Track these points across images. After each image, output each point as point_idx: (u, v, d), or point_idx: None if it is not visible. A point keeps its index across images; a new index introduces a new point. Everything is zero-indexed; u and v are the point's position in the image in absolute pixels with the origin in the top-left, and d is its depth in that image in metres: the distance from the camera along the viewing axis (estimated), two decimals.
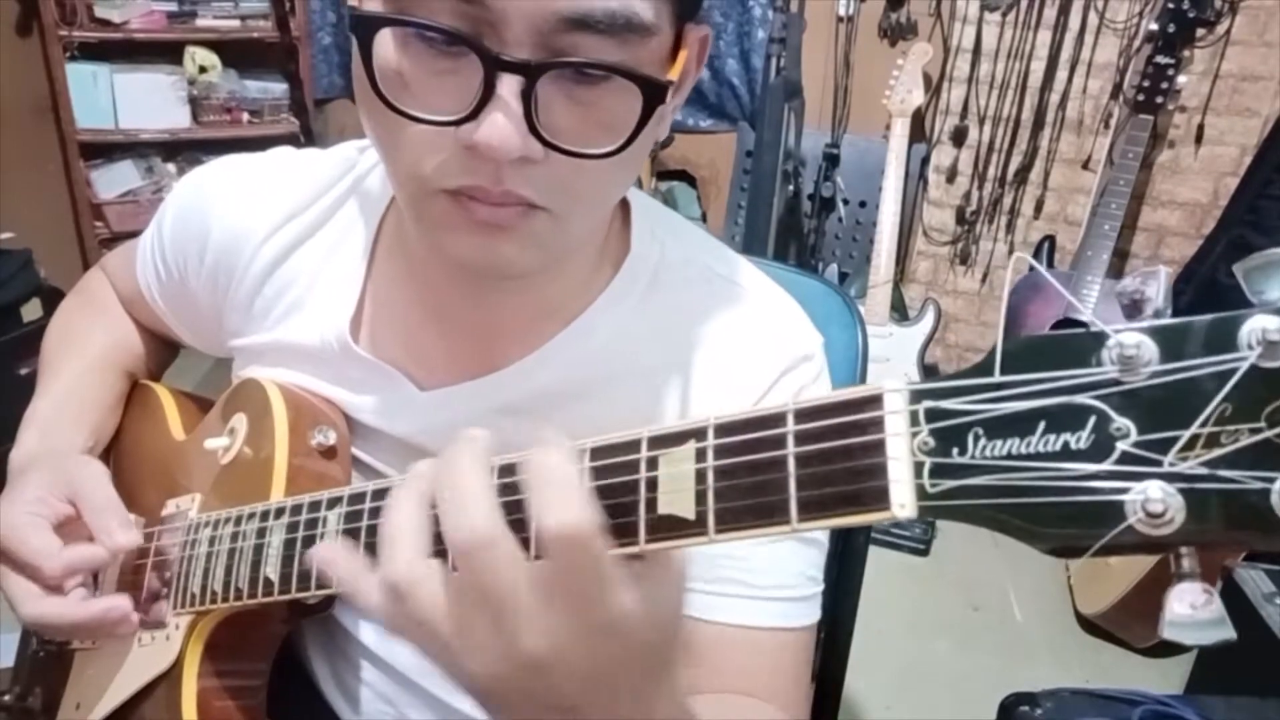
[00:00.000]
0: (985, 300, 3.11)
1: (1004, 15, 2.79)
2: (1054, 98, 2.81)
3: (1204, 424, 0.31)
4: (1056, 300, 2.52)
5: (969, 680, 2.08)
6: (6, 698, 0.86)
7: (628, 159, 0.56)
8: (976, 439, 0.35)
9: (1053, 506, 0.33)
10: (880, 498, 0.37)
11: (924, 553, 2.50)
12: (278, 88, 3.19)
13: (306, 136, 2.75)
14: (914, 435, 0.36)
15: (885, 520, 0.37)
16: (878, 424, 0.38)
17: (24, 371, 2.25)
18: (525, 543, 0.44)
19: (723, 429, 0.42)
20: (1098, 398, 0.33)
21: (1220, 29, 2.56)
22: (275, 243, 0.76)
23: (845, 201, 2.91)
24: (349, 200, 0.77)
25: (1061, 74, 2.79)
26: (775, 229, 2.56)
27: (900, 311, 2.80)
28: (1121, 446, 0.32)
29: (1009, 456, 0.34)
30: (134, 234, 0.87)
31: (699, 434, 0.43)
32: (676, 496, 0.43)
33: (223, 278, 0.79)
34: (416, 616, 0.45)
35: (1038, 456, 0.33)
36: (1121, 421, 0.32)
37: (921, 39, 2.90)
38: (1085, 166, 2.85)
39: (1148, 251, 2.86)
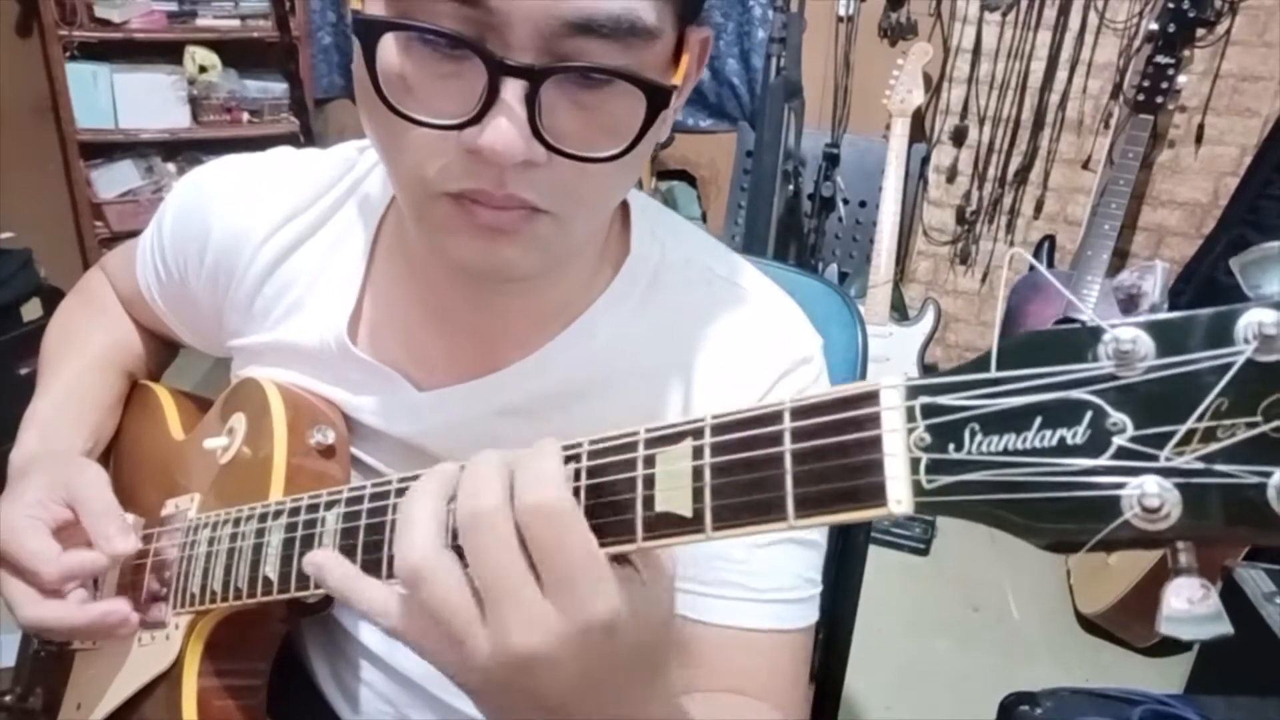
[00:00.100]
0: (985, 300, 3.11)
1: (1004, 15, 2.79)
2: (1054, 98, 2.81)
3: (1200, 418, 0.31)
4: (1056, 300, 2.52)
5: (969, 680, 2.08)
6: (7, 698, 0.86)
7: (630, 162, 0.56)
8: (973, 435, 0.35)
9: (1049, 502, 0.33)
10: (877, 494, 0.37)
11: (924, 552, 2.50)
12: (278, 87, 3.18)
13: (306, 136, 2.75)
14: (910, 431, 0.36)
15: (882, 517, 0.37)
16: (874, 420, 0.38)
17: (24, 371, 2.25)
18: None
19: (719, 427, 0.42)
20: (1094, 393, 0.33)
21: (1220, 29, 2.56)
22: (275, 243, 0.76)
23: (845, 201, 2.91)
24: (349, 200, 0.77)
25: (1061, 74, 2.79)
26: (775, 229, 2.56)
27: (900, 311, 2.80)
28: (1118, 441, 0.32)
29: (1005, 452, 0.34)
30: (134, 234, 0.88)
31: (696, 432, 0.43)
32: (674, 494, 0.43)
33: (223, 278, 0.79)
34: (427, 605, 0.45)
35: (1034, 452, 0.33)
36: (1118, 416, 0.32)
37: (921, 39, 2.90)
38: (1085, 166, 2.85)
39: (1148, 251, 2.86)
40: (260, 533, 0.65)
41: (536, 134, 0.52)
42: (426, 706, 0.78)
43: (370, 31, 0.52)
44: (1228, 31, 2.57)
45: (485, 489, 0.44)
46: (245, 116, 3.20)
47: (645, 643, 0.46)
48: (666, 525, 0.43)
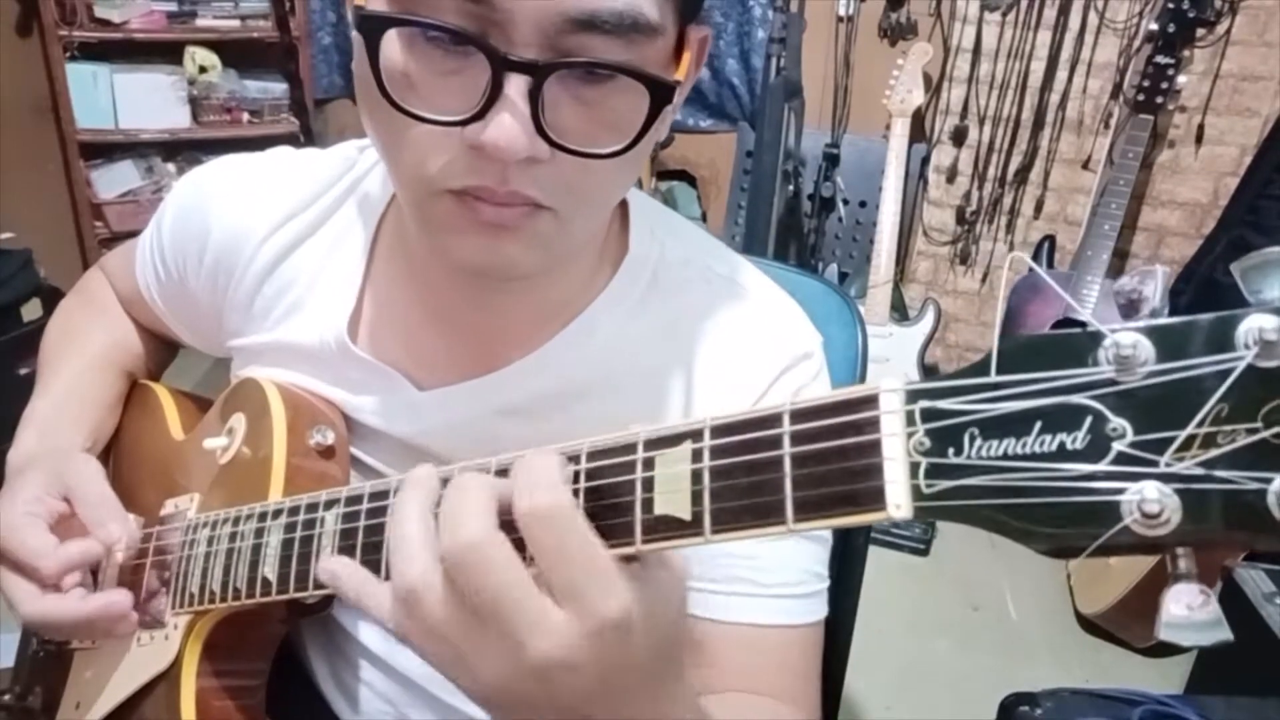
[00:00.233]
0: (985, 300, 3.11)
1: (1004, 15, 2.79)
2: (1054, 98, 2.81)
3: (1200, 424, 0.31)
4: (1056, 300, 2.52)
5: (969, 680, 2.08)
6: (6, 698, 0.86)
7: (631, 159, 0.56)
8: (973, 439, 0.35)
9: (1049, 507, 0.33)
10: (876, 498, 0.37)
11: (924, 553, 2.50)
12: (278, 88, 3.18)
13: (306, 136, 2.75)
14: (910, 436, 0.36)
15: (881, 521, 0.37)
16: (874, 424, 0.37)
17: (24, 371, 2.25)
18: (520, 546, 0.44)
19: (719, 429, 0.42)
20: (1094, 398, 0.33)
21: (1220, 29, 2.56)
22: (275, 242, 0.76)
23: (845, 201, 2.91)
24: (348, 200, 0.77)
25: (1061, 74, 2.79)
26: (775, 229, 2.56)
27: (900, 311, 2.80)
28: (1118, 447, 0.32)
29: (1005, 457, 0.34)
30: (134, 234, 0.88)
31: (695, 435, 0.43)
32: (673, 497, 0.43)
33: (222, 277, 0.79)
34: (428, 622, 0.45)
35: (1034, 457, 0.33)
36: (1118, 421, 0.32)
37: (921, 39, 2.90)
38: (1085, 166, 2.85)
39: (1148, 251, 2.86)
40: (259, 533, 0.65)
41: (540, 130, 0.52)
42: (426, 706, 0.78)
43: (373, 27, 0.52)
44: (1228, 31, 2.57)
45: (466, 520, 0.44)
46: (245, 117, 3.20)
47: (660, 641, 0.45)
48: (665, 528, 0.43)
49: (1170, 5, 2.37)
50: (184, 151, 3.18)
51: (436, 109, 0.53)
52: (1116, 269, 2.69)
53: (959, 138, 2.94)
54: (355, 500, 0.59)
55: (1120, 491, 0.32)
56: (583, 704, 0.44)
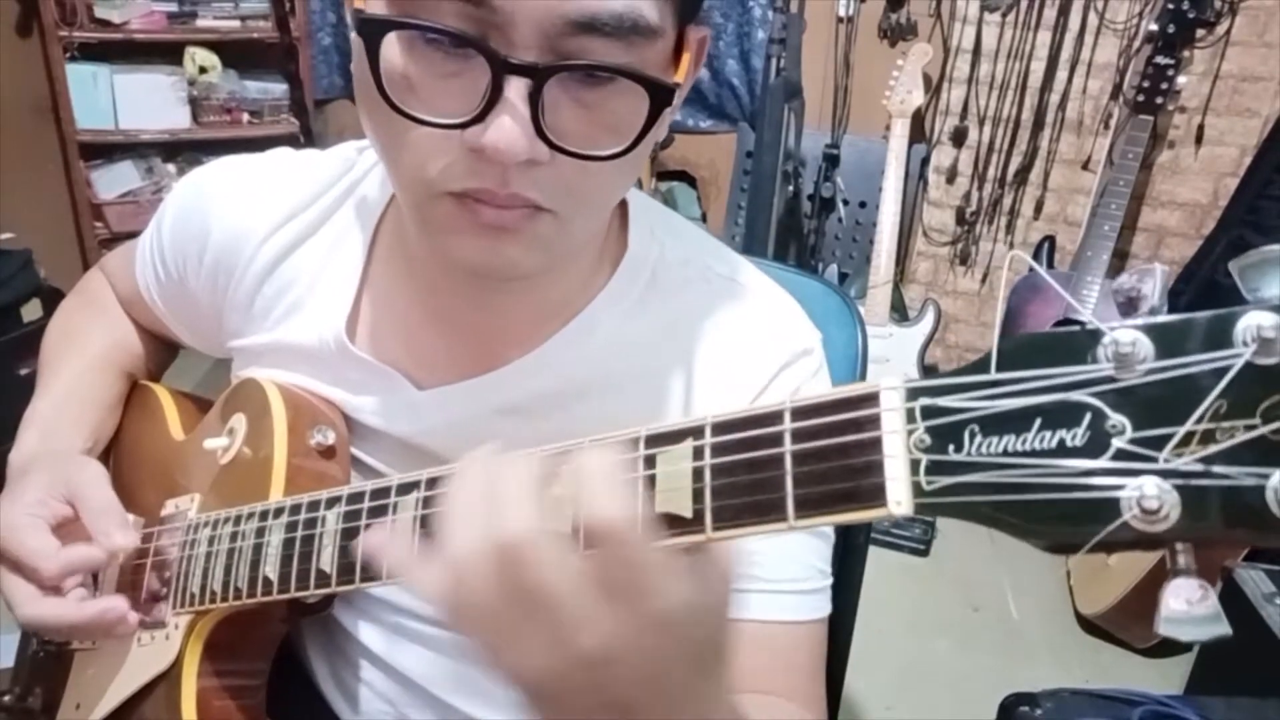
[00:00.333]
0: (985, 301, 3.11)
1: (1004, 16, 2.79)
2: (1054, 98, 2.81)
3: (1199, 420, 0.31)
4: (1056, 301, 2.52)
5: (969, 680, 2.08)
6: (6, 698, 0.86)
7: (631, 161, 0.57)
8: (973, 436, 0.35)
9: (1048, 503, 0.33)
10: (876, 495, 0.37)
11: (924, 553, 2.50)
12: (278, 88, 3.19)
13: (306, 137, 2.75)
14: (910, 433, 0.37)
15: (882, 518, 0.37)
16: (874, 421, 0.38)
17: (24, 372, 2.25)
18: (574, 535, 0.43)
19: (720, 427, 0.42)
20: (1093, 395, 0.33)
21: (1220, 29, 2.56)
22: (275, 243, 0.76)
23: (845, 202, 2.91)
24: (347, 200, 0.77)
25: (1061, 74, 2.79)
26: (775, 229, 2.56)
27: (900, 312, 2.81)
28: (1117, 443, 0.32)
29: (1005, 453, 0.34)
30: (134, 234, 0.88)
31: (696, 432, 0.43)
32: (674, 495, 0.43)
33: (222, 278, 0.79)
34: (471, 604, 0.44)
35: (1033, 453, 0.33)
36: (1117, 418, 0.32)
37: (921, 39, 2.90)
38: (1085, 167, 2.85)
39: (1148, 252, 2.86)
40: (260, 532, 0.66)
41: (540, 132, 0.52)
42: (426, 706, 0.78)
43: (373, 30, 0.52)
44: (1228, 32, 2.57)
45: (518, 509, 0.43)
46: (245, 117, 3.20)
47: (708, 637, 0.45)
48: (667, 526, 0.43)
49: (1170, 5, 2.37)
50: (184, 152, 3.18)
51: (436, 112, 0.53)
52: (1116, 269, 2.69)
53: (959, 138, 2.94)
54: (356, 499, 0.59)
55: (1120, 488, 0.32)
56: (626, 700, 0.44)
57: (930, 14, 2.89)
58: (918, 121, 2.87)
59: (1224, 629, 0.31)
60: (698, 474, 0.42)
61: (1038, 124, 2.85)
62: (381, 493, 0.57)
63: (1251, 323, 0.30)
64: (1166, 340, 0.32)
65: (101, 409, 0.87)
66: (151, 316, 0.89)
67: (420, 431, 0.73)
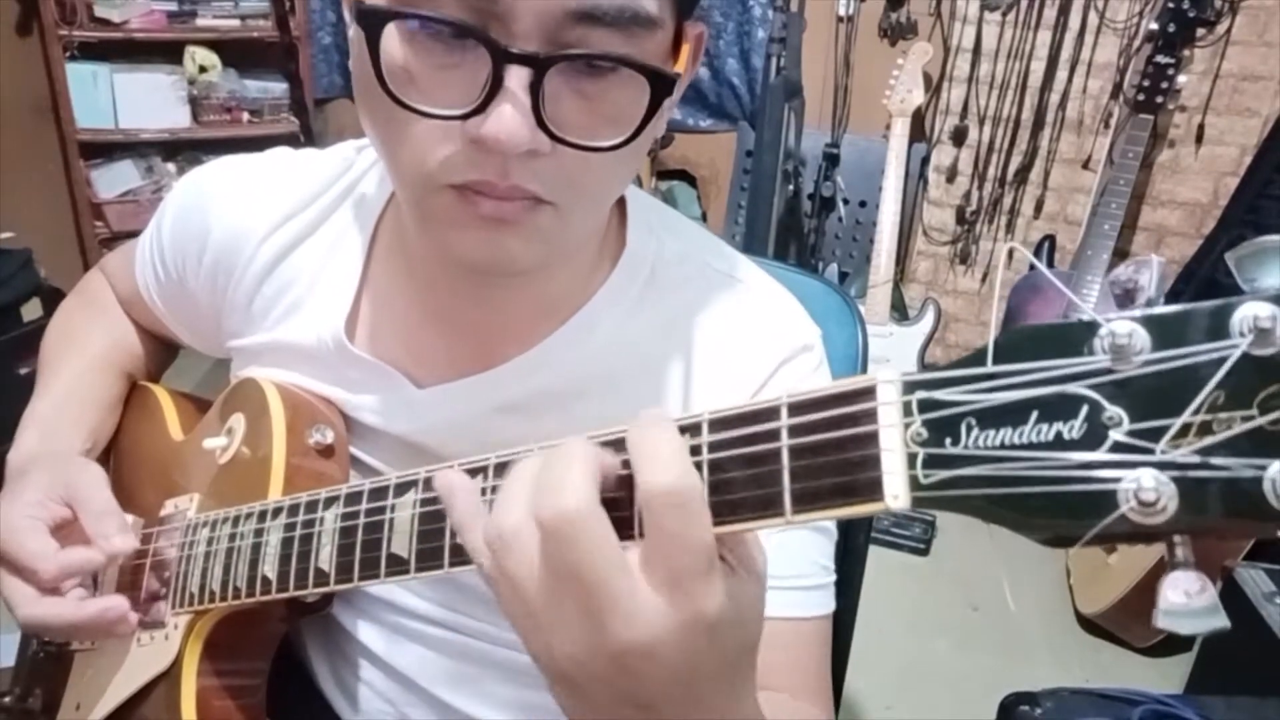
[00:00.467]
0: (985, 300, 3.11)
1: (1004, 15, 2.79)
2: (1054, 98, 2.81)
3: (1196, 412, 0.31)
4: (1056, 300, 2.52)
5: (969, 680, 2.08)
6: (7, 699, 0.86)
7: (631, 153, 0.57)
8: (969, 429, 0.35)
9: (1045, 496, 0.33)
10: (874, 489, 0.37)
11: (924, 552, 2.50)
12: (278, 88, 3.18)
13: (306, 136, 2.75)
14: (907, 426, 0.36)
15: (879, 511, 0.37)
16: (871, 415, 0.38)
17: (24, 371, 2.25)
18: (628, 522, 0.43)
19: (717, 423, 0.42)
20: (1090, 387, 0.33)
21: (1220, 29, 2.56)
22: (274, 242, 0.76)
23: (845, 201, 2.91)
24: (347, 200, 0.77)
25: (1061, 74, 2.79)
26: (775, 229, 2.56)
27: (900, 311, 2.81)
28: (1114, 435, 0.32)
29: (1002, 446, 0.34)
30: (134, 234, 0.88)
31: (693, 428, 0.43)
32: None
33: (221, 277, 0.79)
34: (511, 574, 0.43)
35: (1030, 446, 0.33)
36: (1114, 410, 0.32)
37: (921, 39, 2.90)
38: (1085, 166, 2.85)
39: (1148, 251, 2.86)
40: (259, 532, 0.66)
41: (540, 123, 0.52)
42: (426, 706, 0.78)
43: (374, 21, 0.52)
44: (1228, 31, 2.57)
45: (566, 489, 0.41)
46: (245, 116, 3.20)
47: (741, 640, 0.44)
48: None
49: (1170, 5, 2.37)
50: (184, 151, 3.18)
51: (437, 103, 0.53)
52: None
53: (959, 138, 2.94)
54: (355, 499, 0.59)
55: (1117, 480, 0.32)
56: (655, 698, 0.43)
57: (930, 13, 2.89)
58: (918, 121, 2.87)
59: (1223, 621, 0.31)
60: (696, 469, 0.42)
61: (1038, 123, 2.85)
62: (380, 492, 0.57)
63: (1248, 313, 0.30)
64: (1163, 332, 0.32)
65: (101, 409, 0.87)
66: (151, 316, 0.89)
67: (419, 430, 0.73)
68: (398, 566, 0.54)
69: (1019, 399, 0.34)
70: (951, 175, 3.00)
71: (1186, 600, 0.31)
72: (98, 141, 3.01)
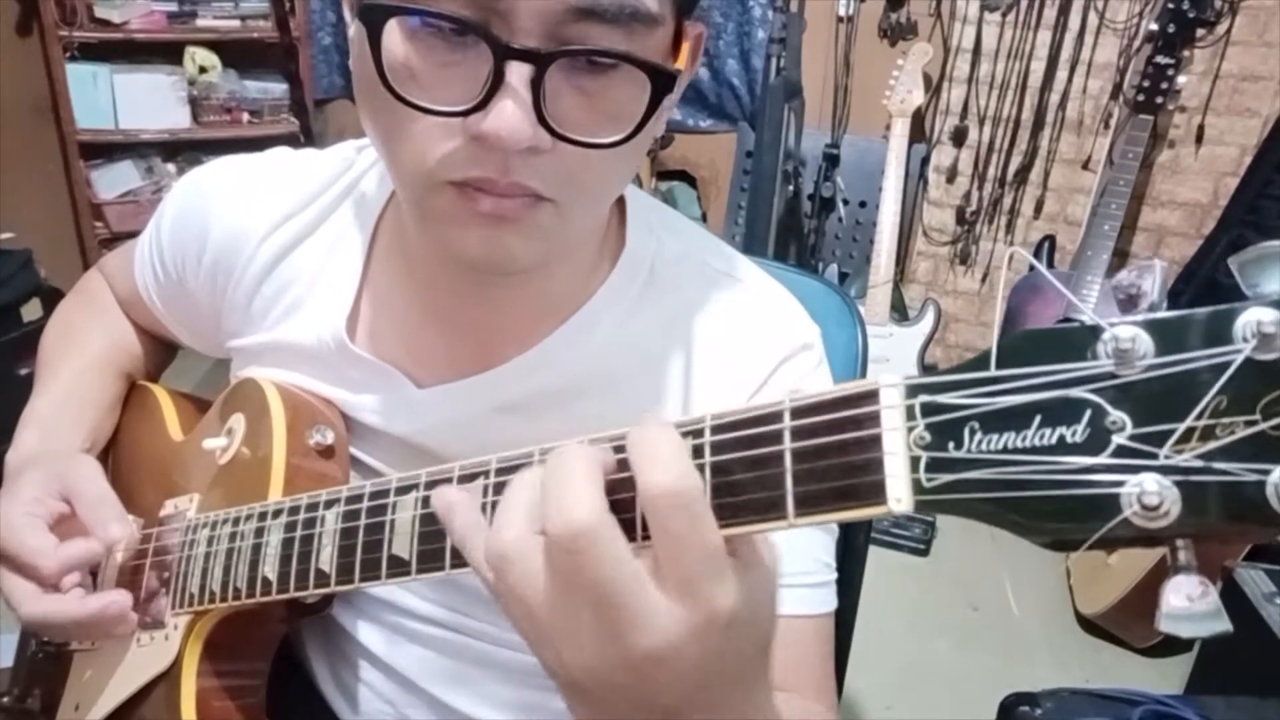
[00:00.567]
0: (985, 300, 3.11)
1: (1004, 15, 2.79)
2: (1054, 98, 2.81)
3: (1199, 417, 0.31)
4: (1056, 300, 2.52)
5: (969, 680, 2.08)
6: (5, 699, 0.86)
7: (631, 151, 0.57)
8: (972, 433, 0.35)
9: (1048, 500, 0.33)
10: (876, 492, 0.37)
11: (924, 553, 2.50)
12: (278, 88, 3.18)
13: (306, 136, 2.75)
14: (910, 430, 0.36)
15: (882, 515, 0.37)
16: (874, 419, 0.37)
17: (24, 372, 2.25)
18: (629, 525, 0.42)
19: (719, 426, 0.42)
20: (1093, 391, 0.33)
21: (1220, 29, 2.56)
22: (274, 242, 0.76)
23: (845, 201, 2.91)
24: (346, 200, 0.77)
25: (1061, 74, 2.78)
26: (775, 229, 2.56)
27: (900, 311, 2.81)
28: (1117, 440, 0.32)
29: (1005, 450, 0.34)
30: (134, 234, 0.88)
31: (695, 431, 0.43)
32: None
33: (221, 277, 0.79)
34: (516, 591, 0.42)
35: (1033, 450, 0.33)
36: (1117, 415, 0.32)
37: (921, 39, 2.90)
38: (1085, 166, 2.85)
39: (1148, 252, 2.86)
40: (259, 532, 0.65)
41: (541, 120, 0.52)
42: (426, 707, 0.78)
43: (376, 17, 0.52)
44: (1228, 31, 2.57)
45: (574, 501, 0.40)
46: (245, 117, 3.20)
47: (757, 637, 0.44)
48: None
49: (1170, 5, 2.37)
50: (184, 151, 3.18)
51: (438, 100, 0.53)
52: (1116, 269, 2.69)
53: (959, 138, 2.94)
54: (355, 499, 0.59)
55: (1120, 484, 0.32)
56: (675, 702, 0.42)
57: (930, 13, 2.89)
58: (918, 121, 2.87)
59: (1225, 625, 0.31)
60: (698, 472, 0.42)
61: (1038, 124, 2.85)
62: (381, 492, 0.57)
63: (1251, 318, 0.30)
64: (1166, 336, 0.32)
65: (100, 409, 0.87)
66: (150, 317, 0.89)
67: (419, 430, 0.73)
68: (399, 568, 0.54)
69: (1022, 403, 0.34)
70: (951, 175, 3.00)
71: (1189, 604, 0.31)
72: (98, 142, 3.00)
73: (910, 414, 0.37)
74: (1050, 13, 2.74)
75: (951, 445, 0.35)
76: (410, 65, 0.53)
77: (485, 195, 0.55)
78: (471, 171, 0.54)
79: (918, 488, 0.36)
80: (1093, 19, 2.70)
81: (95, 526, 0.70)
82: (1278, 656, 1.54)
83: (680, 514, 0.39)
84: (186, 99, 3.08)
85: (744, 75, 3.12)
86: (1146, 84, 2.42)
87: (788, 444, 0.40)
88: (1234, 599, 1.64)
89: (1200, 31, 2.47)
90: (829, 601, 0.73)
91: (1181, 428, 0.31)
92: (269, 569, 0.64)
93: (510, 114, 0.51)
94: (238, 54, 3.15)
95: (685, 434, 0.43)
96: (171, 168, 3.17)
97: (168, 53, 3.03)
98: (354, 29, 0.56)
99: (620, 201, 0.74)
